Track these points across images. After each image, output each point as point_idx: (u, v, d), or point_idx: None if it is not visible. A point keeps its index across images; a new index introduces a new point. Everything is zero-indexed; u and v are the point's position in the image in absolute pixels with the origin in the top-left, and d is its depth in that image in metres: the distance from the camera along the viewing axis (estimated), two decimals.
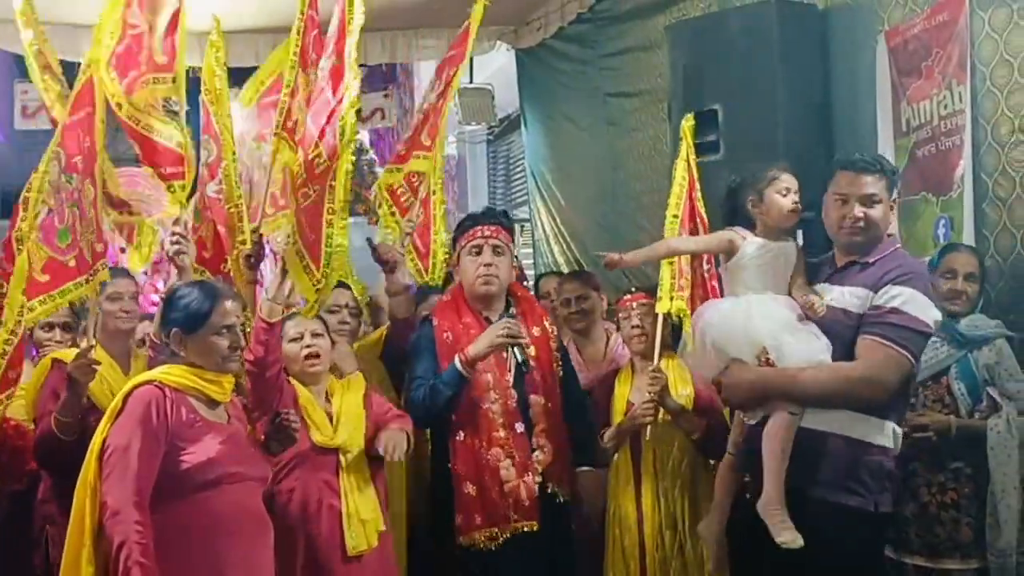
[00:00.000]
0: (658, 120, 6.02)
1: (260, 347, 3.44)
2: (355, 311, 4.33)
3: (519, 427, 3.76)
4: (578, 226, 7.08)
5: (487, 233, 3.88)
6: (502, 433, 3.74)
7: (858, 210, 3.21)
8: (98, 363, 3.55)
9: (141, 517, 2.86)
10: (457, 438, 3.76)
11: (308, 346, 3.73)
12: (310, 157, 3.82)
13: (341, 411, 3.74)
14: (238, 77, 5.03)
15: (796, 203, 3.35)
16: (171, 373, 3.12)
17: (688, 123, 4.16)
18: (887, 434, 3.13)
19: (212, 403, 3.16)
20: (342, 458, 3.65)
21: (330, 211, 3.82)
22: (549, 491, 3.77)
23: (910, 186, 4.24)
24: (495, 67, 8.22)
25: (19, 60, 5.96)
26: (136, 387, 3.06)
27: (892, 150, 4.29)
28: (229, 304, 3.19)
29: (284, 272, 3.51)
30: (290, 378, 3.72)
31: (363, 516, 3.61)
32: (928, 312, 3.10)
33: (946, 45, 4.04)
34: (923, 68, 4.18)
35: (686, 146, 4.10)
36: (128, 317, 4.03)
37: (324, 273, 3.90)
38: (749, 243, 3.37)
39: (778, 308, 3.27)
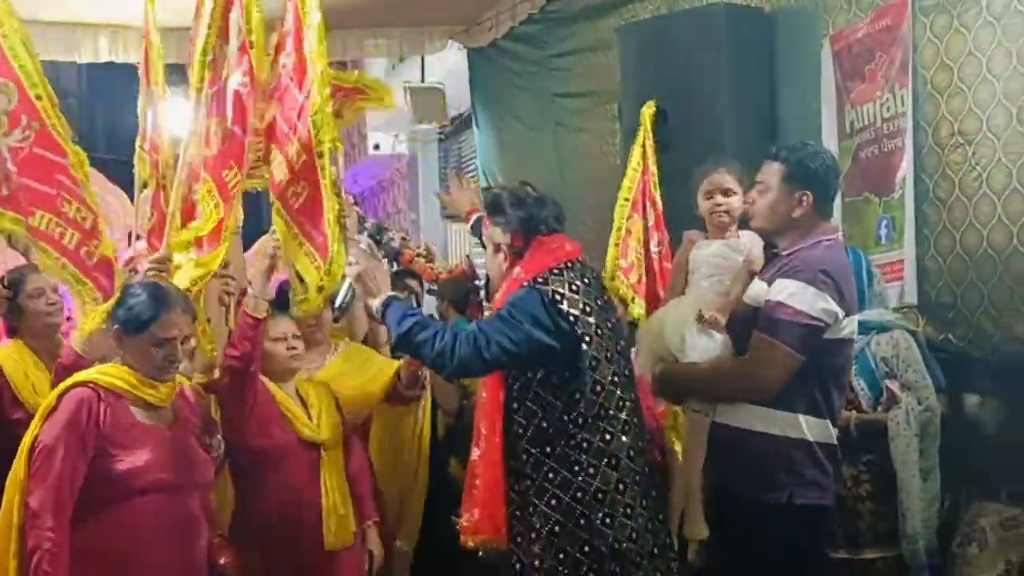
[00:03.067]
0: (605, 121, 6.08)
1: (247, 343, 3.42)
2: None
3: None
4: None
5: None
6: None
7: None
8: None
9: (54, 523, 2.82)
10: None
11: (292, 347, 3.72)
12: (291, 155, 3.67)
13: (320, 408, 3.74)
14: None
15: (718, 205, 3.40)
16: (107, 373, 3.04)
17: (649, 109, 4.18)
18: (802, 427, 3.09)
19: (152, 405, 3.06)
20: (324, 453, 3.66)
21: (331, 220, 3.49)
22: None
23: (853, 187, 4.30)
24: (447, 66, 8.22)
25: None
26: (71, 387, 2.99)
27: (836, 151, 4.33)
28: (175, 316, 3.04)
29: (271, 269, 3.47)
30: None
31: (340, 512, 3.62)
32: (813, 304, 3.00)
33: (889, 49, 4.11)
34: (866, 71, 4.24)
35: (643, 131, 4.11)
36: (55, 309, 3.90)
37: (327, 271, 3.50)
38: (696, 246, 3.47)
39: (684, 308, 3.35)
